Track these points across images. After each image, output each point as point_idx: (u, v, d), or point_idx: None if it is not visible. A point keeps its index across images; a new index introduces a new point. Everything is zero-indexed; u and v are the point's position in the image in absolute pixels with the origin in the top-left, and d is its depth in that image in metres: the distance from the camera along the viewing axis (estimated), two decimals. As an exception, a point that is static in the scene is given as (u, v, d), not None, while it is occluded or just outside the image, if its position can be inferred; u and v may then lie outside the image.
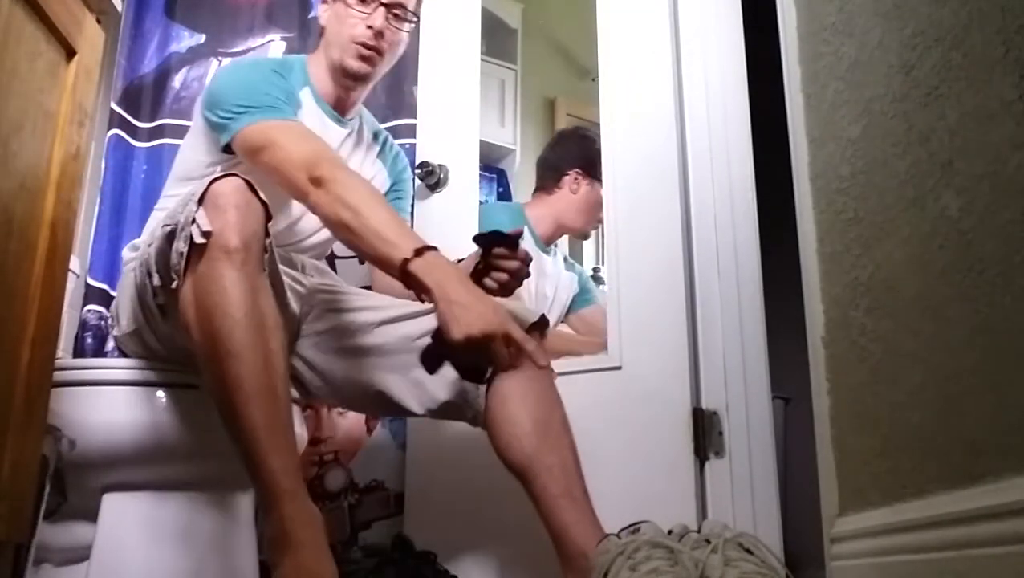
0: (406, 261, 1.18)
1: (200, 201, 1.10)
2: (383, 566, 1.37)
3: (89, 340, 1.84)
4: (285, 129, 1.37)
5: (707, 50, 1.74)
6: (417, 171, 1.92)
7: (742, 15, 1.73)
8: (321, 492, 1.83)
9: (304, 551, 0.99)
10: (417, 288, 1.19)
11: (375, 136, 1.68)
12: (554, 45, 3.29)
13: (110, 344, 1.85)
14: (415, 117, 2.00)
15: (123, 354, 1.46)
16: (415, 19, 1.57)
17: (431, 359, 1.24)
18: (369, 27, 1.49)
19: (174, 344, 1.32)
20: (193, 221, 1.09)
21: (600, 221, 2.28)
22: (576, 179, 2.26)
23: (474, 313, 1.14)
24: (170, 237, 1.14)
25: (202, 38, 2.11)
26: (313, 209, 1.32)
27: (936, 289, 0.79)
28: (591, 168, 2.23)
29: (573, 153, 2.30)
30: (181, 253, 1.11)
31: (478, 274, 1.28)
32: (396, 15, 1.52)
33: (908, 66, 0.85)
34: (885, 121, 0.90)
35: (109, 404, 1.33)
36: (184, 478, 1.36)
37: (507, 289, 1.32)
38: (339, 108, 1.57)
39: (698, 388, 1.58)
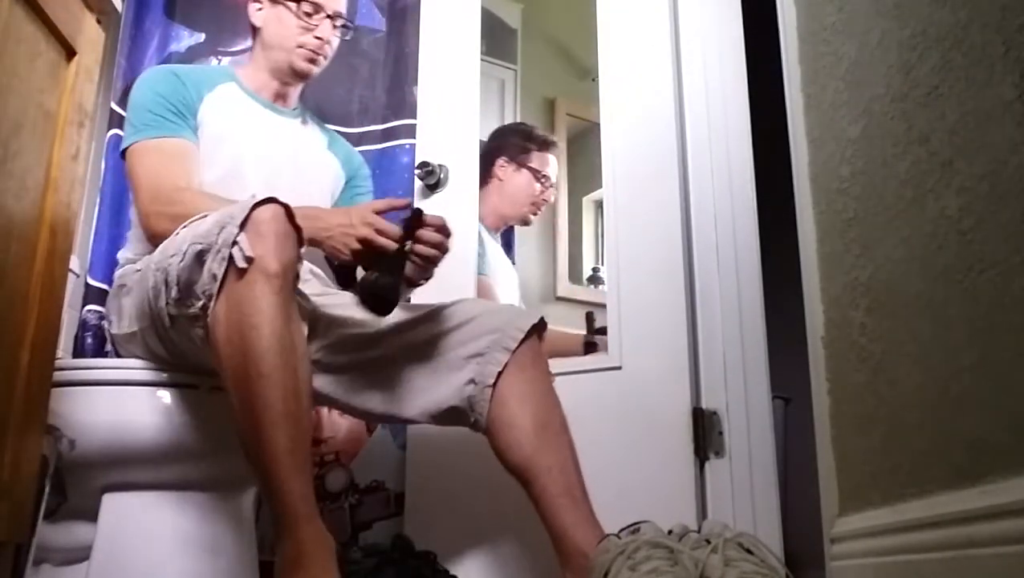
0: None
1: (241, 226, 1.11)
2: (383, 566, 1.37)
3: (89, 340, 1.84)
4: (148, 152, 1.46)
5: (707, 50, 1.74)
6: (417, 171, 1.92)
7: (742, 15, 1.73)
8: (322, 493, 1.83)
9: (317, 574, 1.01)
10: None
11: (322, 129, 1.75)
12: (554, 45, 3.29)
13: (110, 344, 1.85)
14: (415, 117, 2.00)
15: (120, 354, 1.46)
16: (351, 26, 1.74)
17: (344, 278, 1.43)
18: (318, 37, 1.61)
19: (176, 349, 1.32)
20: (234, 244, 1.10)
21: (537, 207, 2.33)
22: (502, 166, 2.29)
23: (342, 232, 1.30)
24: (199, 257, 1.14)
25: (202, 37, 2.11)
26: (152, 240, 1.38)
27: (936, 289, 0.79)
28: (516, 154, 2.28)
29: (500, 143, 2.34)
30: (215, 275, 1.11)
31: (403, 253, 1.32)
32: (335, 25, 1.65)
33: (908, 66, 0.85)
34: (885, 121, 0.90)
35: (109, 404, 1.33)
36: (184, 478, 1.36)
37: (432, 261, 1.34)
38: (278, 100, 1.66)
39: (698, 388, 1.58)
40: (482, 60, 2.07)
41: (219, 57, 2.11)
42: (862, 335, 0.96)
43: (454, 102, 1.99)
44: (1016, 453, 0.66)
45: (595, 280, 2.99)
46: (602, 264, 2.93)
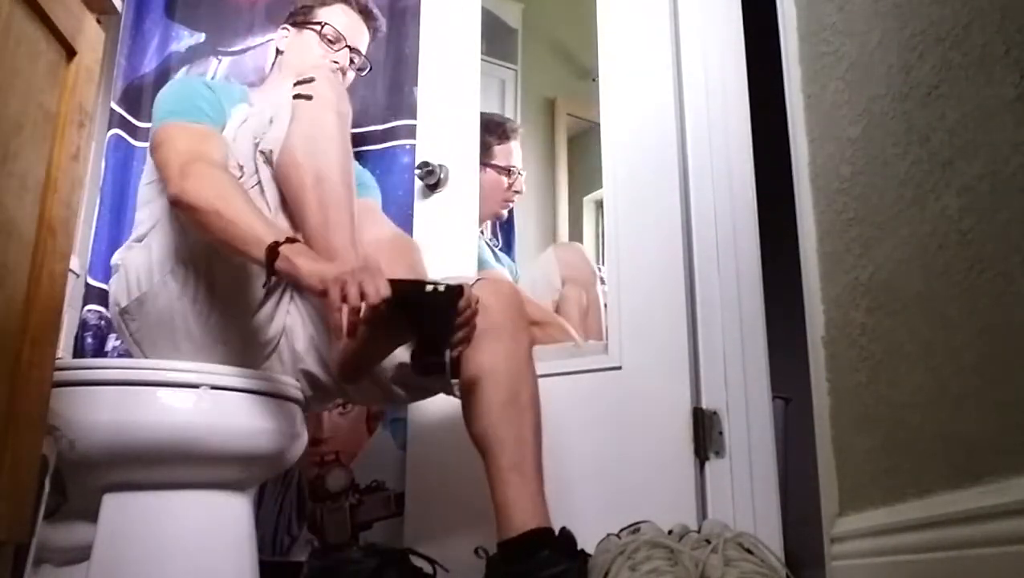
0: (276, 244, 1.19)
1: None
2: (385, 567, 1.37)
3: (89, 340, 1.84)
4: (183, 129, 1.40)
5: (707, 50, 1.74)
6: (417, 171, 1.92)
7: (742, 15, 1.73)
8: (322, 493, 1.83)
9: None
10: (288, 271, 1.19)
11: None
12: (554, 45, 3.29)
13: (110, 344, 1.86)
14: (415, 117, 2.00)
15: (122, 355, 1.46)
16: (367, 66, 1.79)
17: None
18: (334, 61, 1.67)
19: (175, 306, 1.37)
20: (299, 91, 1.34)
21: (508, 201, 2.29)
22: None
23: (330, 269, 1.18)
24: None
25: (202, 37, 2.12)
26: (180, 199, 1.30)
27: (936, 289, 0.79)
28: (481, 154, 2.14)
29: None
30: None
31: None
32: (352, 60, 1.72)
33: (908, 66, 0.85)
34: (885, 121, 0.90)
35: (109, 404, 1.33)
36: (185, 478, 1.36)
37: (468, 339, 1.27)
38: None
39: (698, 388, 1.58)
40: (482, 60, 2.07)
41: (219, 57, 2.11)
42: (862, 335, 0.96)
43: (454, 102, 1.99)
44: (1016, 453, 0.66)
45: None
46: (602, 264, 2.93)
